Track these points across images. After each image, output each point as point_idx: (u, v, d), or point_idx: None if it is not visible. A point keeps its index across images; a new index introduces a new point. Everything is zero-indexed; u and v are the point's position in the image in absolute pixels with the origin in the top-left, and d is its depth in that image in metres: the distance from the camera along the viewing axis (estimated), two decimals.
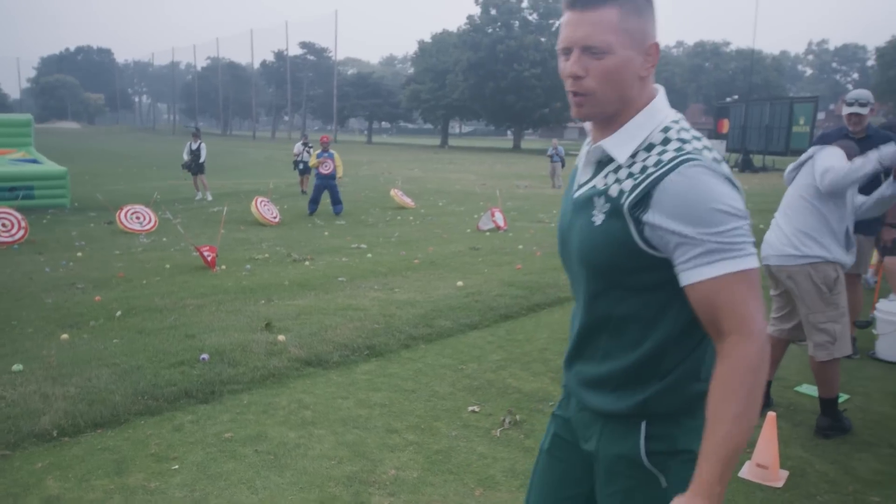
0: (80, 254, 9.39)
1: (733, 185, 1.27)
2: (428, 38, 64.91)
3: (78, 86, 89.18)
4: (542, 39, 54.62)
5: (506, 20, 55.80)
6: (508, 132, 70.13)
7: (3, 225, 10.49)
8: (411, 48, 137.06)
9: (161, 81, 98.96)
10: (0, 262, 8.61)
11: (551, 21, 56.11)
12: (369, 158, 38.03)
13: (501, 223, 11.82)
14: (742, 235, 1.23)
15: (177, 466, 3.19)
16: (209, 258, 8.36)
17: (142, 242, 10.64)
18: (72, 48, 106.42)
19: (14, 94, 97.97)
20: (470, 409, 3.87)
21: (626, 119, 1.34)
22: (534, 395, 4.12)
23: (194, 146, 17.19)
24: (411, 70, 78.29)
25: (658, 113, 1.34)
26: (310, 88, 77.81)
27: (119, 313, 5.95)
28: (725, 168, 1.29)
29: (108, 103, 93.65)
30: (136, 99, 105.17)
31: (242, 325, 5.40)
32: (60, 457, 3.28)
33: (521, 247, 9.77)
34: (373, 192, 19.59)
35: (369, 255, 9.33)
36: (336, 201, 14.17)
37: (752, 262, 1.24)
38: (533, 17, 57.04)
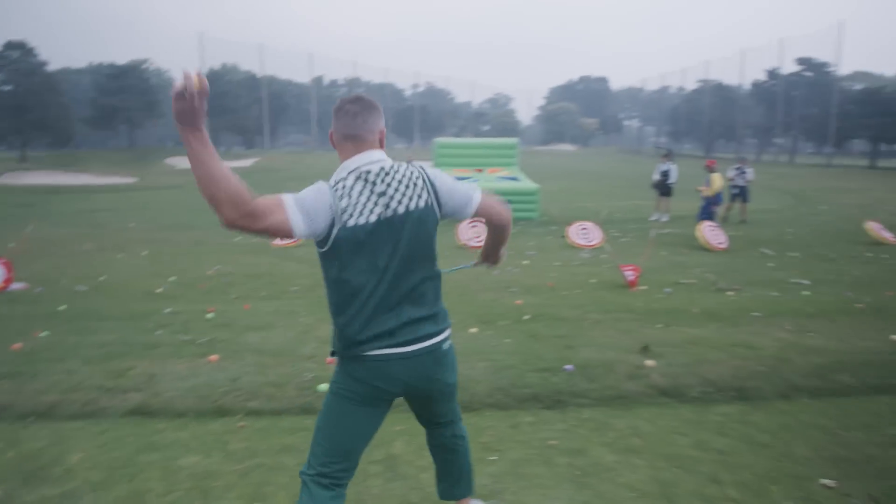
0: (525, 262, 10.59)
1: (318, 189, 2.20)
2: None
3: (576, 112, 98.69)
4: None
5: None
6: None
7: None
8: None
9: (651, 106, 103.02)
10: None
11: None
12: (862, 186, 33.24)
13: None
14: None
15: (495, 458, 3.51)
16: (630, 277, 8.59)
17: (582, 257, 11.44)
18: (575, 78, 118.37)
19: (526, 120, 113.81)
20: (823, 481, 3.29)
21: None
22: None
23: (664, 168, 17.64)
24: None
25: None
26: (804, 108, 71.49)
27: (527, 317, 6.61)
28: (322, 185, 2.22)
29: (602, 127, 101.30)
30: (627, 123, 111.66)
31: (624, 345, 5.48)
32: (412, 424, 3.88)
33: None
34: (847, 223, 17.25)
35: (806, 292, 8.35)
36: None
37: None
38: None
